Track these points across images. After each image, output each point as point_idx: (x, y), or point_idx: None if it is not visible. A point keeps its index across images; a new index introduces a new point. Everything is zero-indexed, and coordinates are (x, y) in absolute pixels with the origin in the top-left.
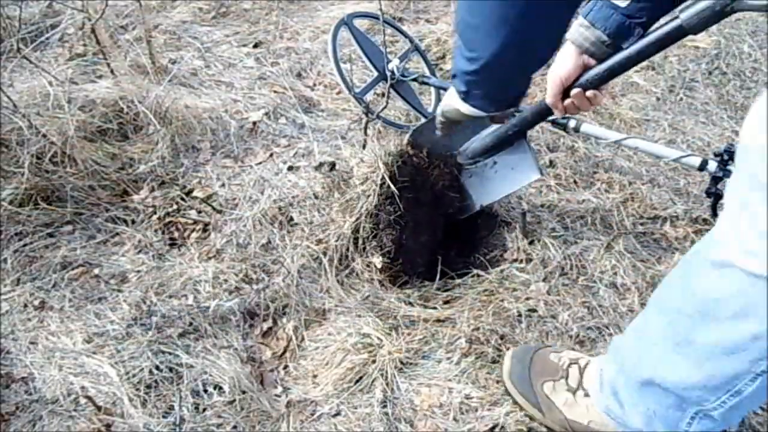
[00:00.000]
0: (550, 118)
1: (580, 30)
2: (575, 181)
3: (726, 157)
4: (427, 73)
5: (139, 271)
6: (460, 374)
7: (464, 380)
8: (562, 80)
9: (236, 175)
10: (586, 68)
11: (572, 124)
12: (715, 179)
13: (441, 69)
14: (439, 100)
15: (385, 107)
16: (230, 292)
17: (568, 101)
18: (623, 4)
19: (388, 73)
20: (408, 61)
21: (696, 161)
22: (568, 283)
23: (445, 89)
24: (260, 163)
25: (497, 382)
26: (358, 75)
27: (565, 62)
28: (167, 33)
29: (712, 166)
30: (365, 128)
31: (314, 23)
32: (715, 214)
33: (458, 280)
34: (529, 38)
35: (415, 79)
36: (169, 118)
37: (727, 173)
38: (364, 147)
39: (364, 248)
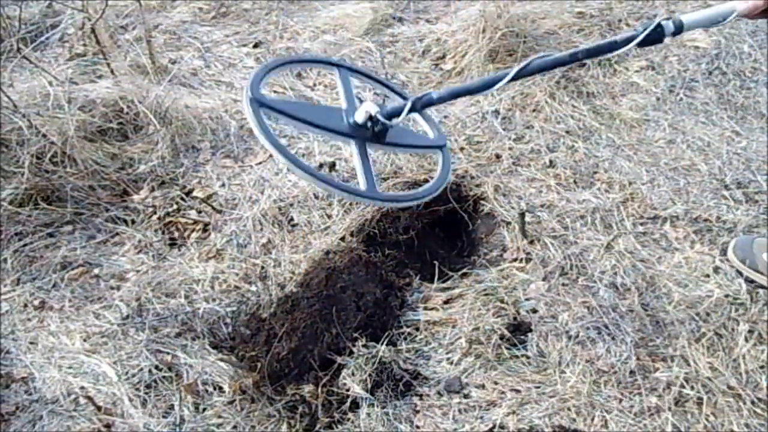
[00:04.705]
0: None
1: None
2: (575, 181)
3: None
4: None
5: (138, 271)
6: (460, 374)
7: (464, 380)
8: None
9: (236, 175)
10: None
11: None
12: None
13: (441, 69)
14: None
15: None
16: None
17: None
18: None
19: (365, 125)
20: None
21: None
22: (568, 283)
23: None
24: (260, 163)
25: (496, 383)
26: None
27: None
28: (167, 33)
29: None
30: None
31: (314, 23)
32: None
33: (458, 281)
34: None
35: (413, 109)
36: (169, 118)
37: None
38: None
39: None
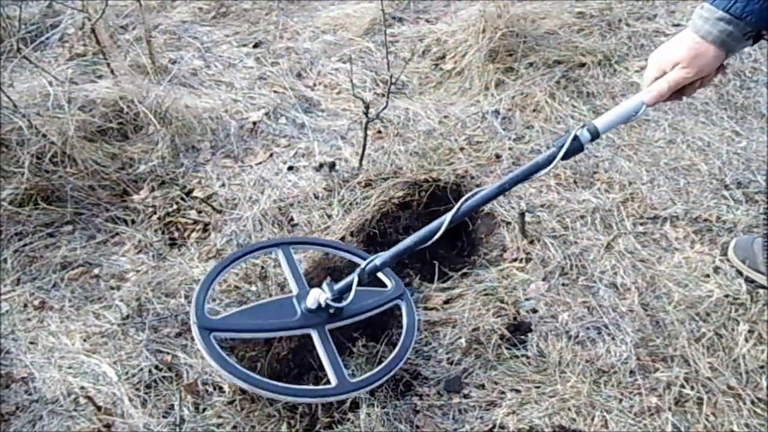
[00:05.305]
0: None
1: (721, 25)
2: (575, 181)
3: None
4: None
5: (138, 271)
6: (460, 374)
7: (464, 380)
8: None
9: (236, 175)
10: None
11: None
12: None
13: (441, 69)
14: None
15: (385, 107)
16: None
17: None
18: None
19: (319, 307)
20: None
21: None
22: (568, 283)
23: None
24: (260, 163)
25: (496, 383)
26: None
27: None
28: (167, 33)
29: None
30: (365, 128)
31: (314, 23)
32: None
33: (458, 280)
34: None
35: (360, 282)
36: (169, 118)
37: None
38: (364, 148)
39: None
